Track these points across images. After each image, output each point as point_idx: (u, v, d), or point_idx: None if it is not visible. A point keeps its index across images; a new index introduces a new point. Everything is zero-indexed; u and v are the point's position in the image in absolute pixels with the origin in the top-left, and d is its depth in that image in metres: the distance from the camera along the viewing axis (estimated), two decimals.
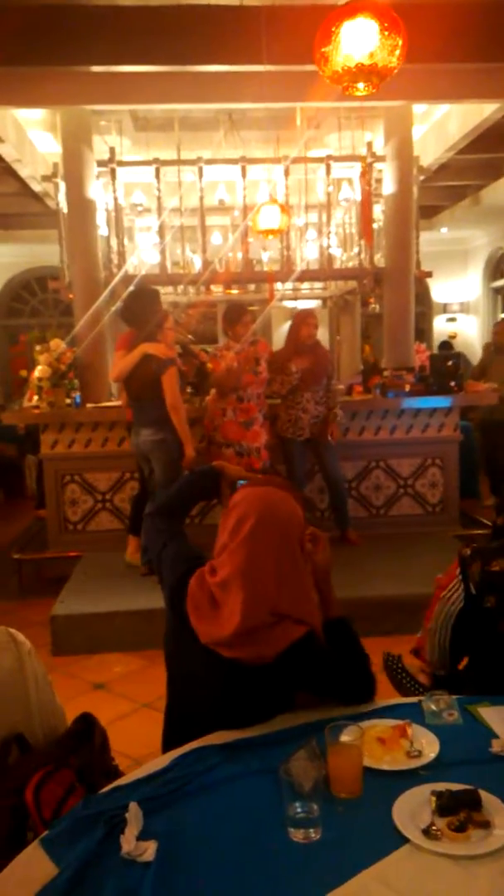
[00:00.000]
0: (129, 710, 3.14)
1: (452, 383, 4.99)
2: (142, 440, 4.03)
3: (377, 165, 5.69)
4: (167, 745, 1.61)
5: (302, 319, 4.57)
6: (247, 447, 4.31)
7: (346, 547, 4.56)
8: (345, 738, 1.32)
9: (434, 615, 1.91)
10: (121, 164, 5.55)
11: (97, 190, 5.38)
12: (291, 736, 1.43)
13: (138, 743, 2.65)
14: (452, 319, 12.00)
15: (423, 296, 11.38)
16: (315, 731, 1.38)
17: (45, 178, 5.84)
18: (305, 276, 6.20)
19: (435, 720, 1.50)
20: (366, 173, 5.61)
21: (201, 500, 2.01)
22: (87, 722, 1.68)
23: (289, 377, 4.43)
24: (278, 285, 6.14)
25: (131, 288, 4.73)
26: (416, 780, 1.32)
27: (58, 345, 4.87)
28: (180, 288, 6.51)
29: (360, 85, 2.23)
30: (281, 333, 4.70)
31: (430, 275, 6.16)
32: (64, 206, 5.42)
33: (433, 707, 1.53)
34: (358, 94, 2.28)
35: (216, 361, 4.38)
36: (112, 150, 5.48)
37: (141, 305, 4.00)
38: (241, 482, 1.87)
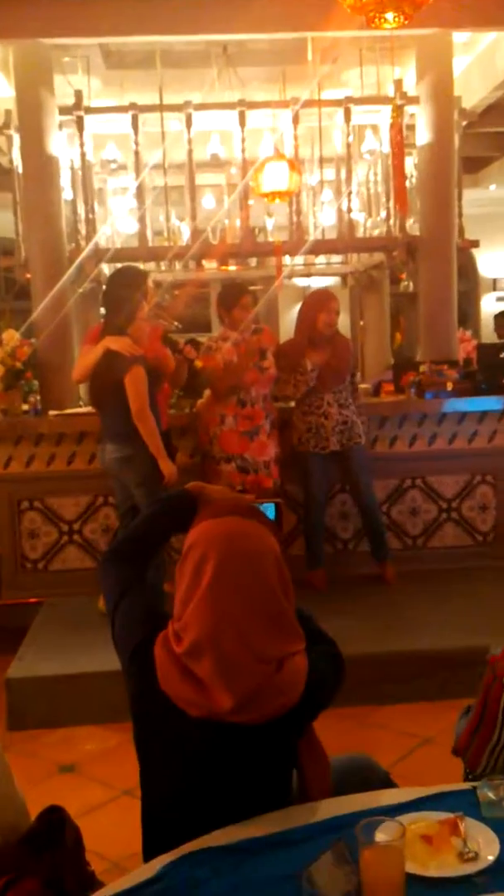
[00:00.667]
0: (104, 798, 3.13)
1: None
2: (107, 458, 4.09)
3: (409, 109, 5.73)
4: (149, 847, 1.61)
5: (319, 304, 4.56)
6: (252, 461, 4.33)
7: (374, 587, 4.55)
8: (381, 836, 1.32)
9: (495, 720, 1.76)
10: (89, 110, 5.59)
11: (60, 143, 5.42)
12: (313, 834, 1.43)
13: (118, 840, 2.64)
14: None
15: (468, 270, 11.44)
16: (343, 829, 1.38)
17: None
18: (321, 247, 6.23)
19: (494, 812, 1.50)
20: (395, 119, 5.65)
21: (173, 533, 1.97)
22: (55, 817, 1.68)
23: (304, 377, 4.44)
24: (287, 259, 6.17)
25: (116, 267, 4.76)
26: (472, 889, 1.31)
27: (11, 336, 4.89)
28: (164, 264, 6.54)
29: (389, 15, 2.26)
30: (290, 320, 4.70)
31: (476, 244, 6.20)
32: (18, 163, 5.46)
33: (491, 795, 1.52)
34: (386, 26, 2.30)
35: (209, 356, 4.40)
36: (78, 94, 5.52)
37: (123, 289, 4.03)
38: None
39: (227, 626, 1.49)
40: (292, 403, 4.61)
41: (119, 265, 4.76)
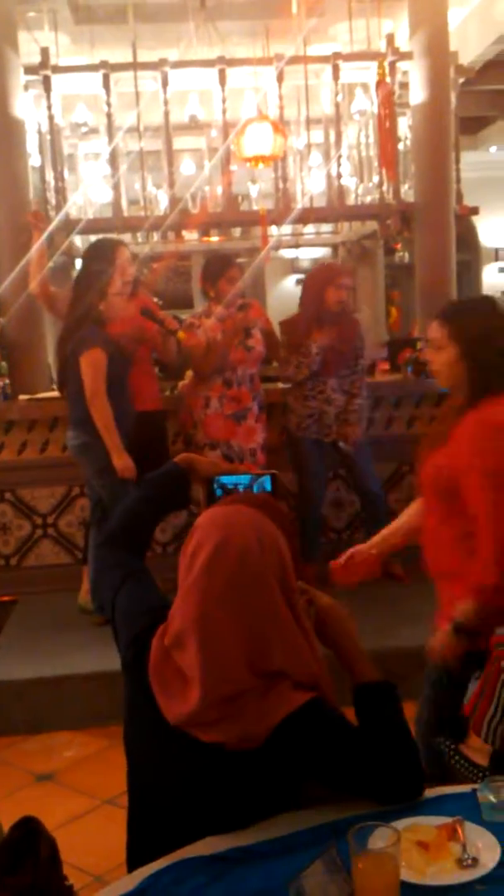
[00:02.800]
0: (85, 808, 3.15)
1: None
2: (70, 444, 4.14)
3: (401, 65, 5.71)
4: (133, 858, 1.62)
5: (327, 278, 4.43)
6: (238, 449, 4.33)
7: (382, 583, 4.56)
8: (375, 843, 1.33)
9: (492, 696, 1.90)
10: (57, 69, 5.54)
11: (26, 105, 5.38)
12: (304, 842, 1.43)
13: (99, 852, 2.66)
14: None
15: (468, 239, 11.43)
16: (335, 836, 1.38)
17: None
18: (309, 215, 6.20)
19: (494, 815, 1.50)
20: (382, 77, 5.62)
21: (168, 511, 2.01)
22: (29, 829, 1.68)
23: (307, 359, 4.36)
24: (273, 229, 6.14)
25: (89, 239, 4.75)
26: None
27: None
28: (141, 235, 6.51)
29: None
30: (277, 294, 4.68)
31: (476, 211, 6.18)
32: None
33: (492, 798, 1.53)
34: None
35: (192, 333, 4.38)
36: (45, 52, 5.47)
37: (93, 262, 4.02)
38: (222, 480, 1.87)
39: (213, 615, 1.48)
40: (280, 384, 4.59)
41: (92, 237, 4.74)
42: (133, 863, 1.60)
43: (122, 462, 3.91)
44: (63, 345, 4.01)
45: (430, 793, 1.59)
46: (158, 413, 4.49)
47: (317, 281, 4.49)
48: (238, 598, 1.50)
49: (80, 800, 3.20)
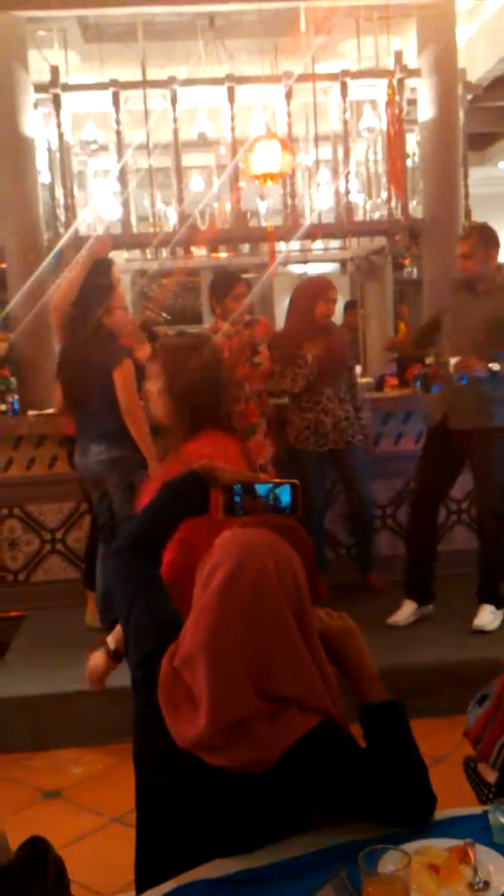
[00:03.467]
0: (93, 826, 3.13)
1: None
2: (91, 461, 4.03)
3: (409, 82, 5.74)
4: (142, 879, 1.60)
5: (317, 293, 4.52)
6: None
7: (378, 595, 4.55)
8: (385, 867, 1.31)
9: None
10: (67, 87, 5.59)
11: (36, 123, 5.42)
12: (314, 865, 1.42)
13: (108, 871, 2.65)
14: None
15: None
16: (345, 859, 1.37)
17: None
18: (317, 232, 6.23)
19: None
20: (391, 96, 5.65)
21: (184, 518, 1.96)
22: (37, 849, 1.67)
23: (303, 369, 4.40)
24: (281, 245, 6.18)
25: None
26: None
27: None
28: (150, 251, 6.53)
29: None
30: (286, 309, 4.68)
31: None
32: None
33: (503, 820, 1.52)
34: None
35: None
36: (55, 70, 5.52)
37: (97, 278, 4.03)
38: (242, 489, 1.84)
39: (225, 638, 1.47)
40: (285, 399, 4.59)
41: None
42: (141, 883, 1.59)
43: (151, 455, 3.91)
44: (73, 362, 3.99)
45: (441, 815, 1.57)
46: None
47: (306, 296, 4.55)
48: (250, 624, 1.49)
49: (87, 817, 3.18)
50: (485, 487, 4.09)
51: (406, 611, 4.20)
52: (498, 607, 4.09)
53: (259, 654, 1.48)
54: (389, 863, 1.32)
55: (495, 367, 3.83)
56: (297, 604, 1.54)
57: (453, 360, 3.84)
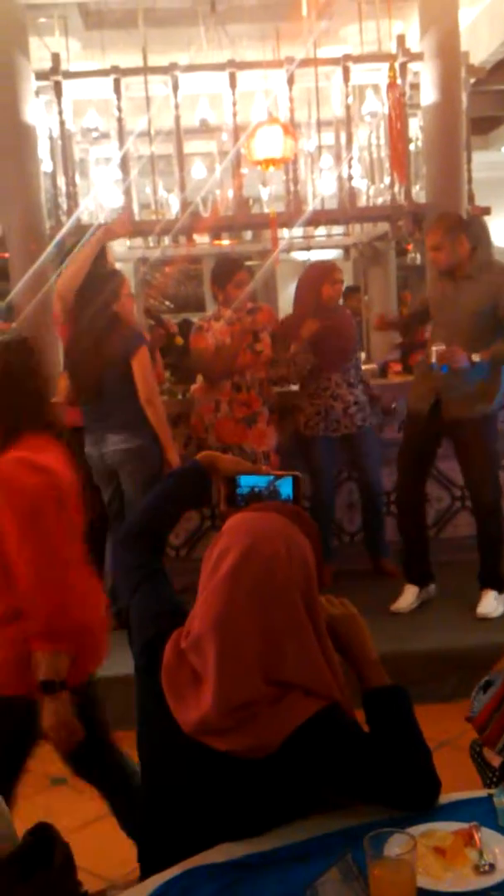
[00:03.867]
0: (99, 812, 3.11)
1: None
2: (109, 451, 3.98)
3: (412, 66, 5.70)
4: (146, 864, 1.61)
5: (323, 275, 4.52)
6: (250, 452, 4.31)
7: (383, 582, 4.55)
8: (391, 850, 1.32)
9: None
10: (68, 75, 5.56)
11: (37, 111, 5.40)
12: (320, 848, 1.42)
13: (113, 858, 2.66)
14: None
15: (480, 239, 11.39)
16: (351, 842, 1.37)
17: None
18: (320, 218, 6.21)
19: None
20: (393, 80, 5.62)
21: (187, 508, 1.99)
22: (44, 836, 1.68)
23: (302, 355, 4.41)
24: (284, 232, 6.15)
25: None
26: None
27: None
28: (152, 239, 6.52)
29: None
30: (289, 296, 4.67)
31: (488, 211, 6.17)
32: None
33: None
34: None
35: (201, 336, 4.39)
36: (56, 57, 5.49)
37: (94, 269, 4.01)
38: (243, 480, 1.85)
39: (235, 620, 1.48)
40: (294, 387, 4.58)
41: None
42: (146, 869, 1.60)
43: (177, 459, 3.94)
44: (84, 350, 3.91)
45: (446, 798, 1.58)
46: None
47: (312, 279, 4.55)
48: (260, 608, 1.49)
49: (93, 804, 3.17)
50: (479, 476, 4.09)
51: (408, 597, 4.20)
52: (500, 592, 4.10)
53: (268, 639, 1.48)
54: (395, 846, 1.33)
55: (477, 357, 3.82)
56: (306, 590, 1.54)
57: (435, 349, 3.82)
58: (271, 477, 1.86)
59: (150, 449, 3.92)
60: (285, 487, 1.85)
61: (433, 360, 3.83)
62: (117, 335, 3.87)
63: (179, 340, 4.42)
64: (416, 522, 4.26)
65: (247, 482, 1.85)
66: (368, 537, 4.76)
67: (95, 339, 3.92)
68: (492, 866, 1.38)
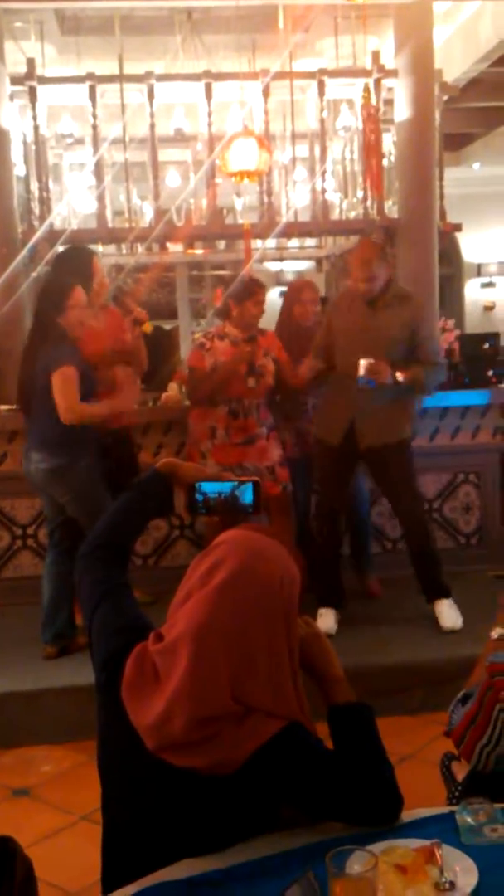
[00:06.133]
0: (61, 824, 3.11)
1: (491, 373, 5.03)
2: (31, 468, 3.91)
3: (386, 82, 5.75)
4: (108, 880, 1.60)
5: (292, 294, 4.61)
6: (253, 468, 4.19)
7: (352, 594, 4.56)
8: (353, 867, 1.32)
9: (488, 723, 1.86)
10: (43, 80, 5.54)
11: (11, 116, 5.37)
12: (281, 865, 1.42)
13: (76, 869, 2.64)
14: (490, 285, 12.12)
15: (451, 254, 11.51)
16: (312, 859, 1.37)
17: None
18: (293, 230, 6.22)
19: (473, 838, 1.50)
20: (367, 100, 5.67)
21: (150, 518, 1.97)
22: (5, 849, 1.67)
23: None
24: (257, 242, 6.16)
25: (59, 248, 4.73)
26: None
27: None
28: (125, 246, 6.49)
29: None
30: (269, 306, 4.65)
31: (459, 227, 6.23)
32: None
33: (470, 820, 1.53)
34: None
35: (199, 354, 4.28)
36: (31, 62, 5.47)
37: (65, 273, 3.97)
38: (204, 487, 1.85)
39: (216, 631, 1.48)
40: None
41: (66, 247, 4.72)
42: (108, 885, 1.58)
43: (117, 405, 3.92)
44: (26, 363, 3.85)
45: (409, 815, 1.59)
46: (124, 431, 4.42)
47: (286, 300, 4.69)
48: (244, 626, 1.50)
49: (56, 815, 3.17)
50: (405, 498, 4.13)
51: (328, 619, 4.13)
52: (448, 596, 4.12)
53: (244, 657, 1.49)
54: (356, 863, 1.33)
55: (400, 377, 3.86)
56: (289, 616, 1.56)
57: (363, 362, 3.80)
58: (232, 483, 1.86)
59: (71, 468, 3.81)
60: (246, 493, 1.84)
61: (361, 372, 3.81)
62: (49, 350, 3.76)
63: (148, 328, 4.35)
64: (332, 548, 4.27)
65: (207, 488, 1.85)
66: (358, 557, 4.68)
67: (27, 352, 3.87)
68: (452, 884, 1.38)
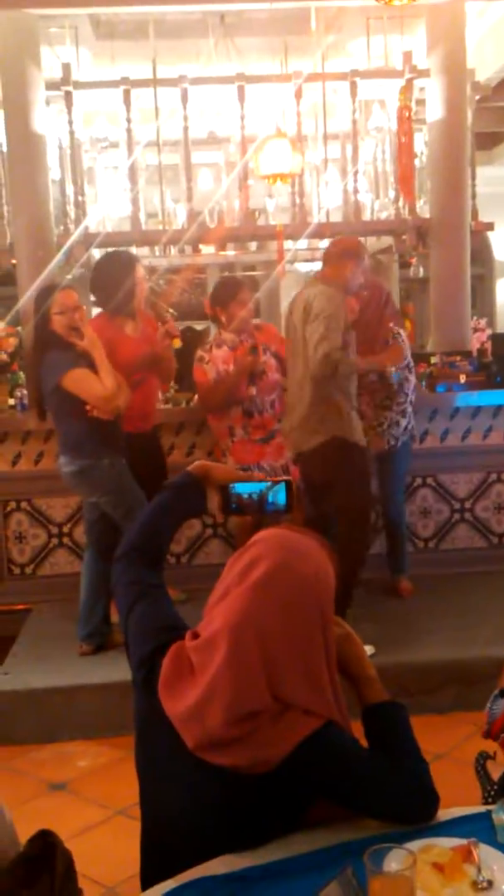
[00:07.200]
0: (98, 818, 3.14)
1: None
2: (62, 472, 3.97)
3: (418, 82, 5.72)
4: (147, 876, 1.61)
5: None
6: (269, 468, 4.24)
7: (384, 593, 4.56)
8: (390, 865, 1.32)
9: None
10: (78, 85, 5.57)
11: (47, 120, 5.41)
12: (320, 862, 1.43)
13: (113, 864, 2.66)
14: None
15: (483, 254, 11.41)
16: (351, 857, 1.38)
17: None
18: (325, 230, 6.20)
19: None
20: (404, 93, 5.64)
21: (183, 520, 1.99)
22: (46, 842, 1.68)
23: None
24: (289, 243, 6.16)
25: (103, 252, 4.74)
26: None
27: None
28: (159, 248, 6.52)
29: None
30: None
31: (491, 226, 6.17)
32: (3, 142, 5.45)
33: None
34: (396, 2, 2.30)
35: (201, 369, 4.32)
36: (66, 67, 5.51)
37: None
38: (237, 488, 1.86)
39: (253, 627, 1.48)
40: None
41: (110, 250, 4.75)
42: (146, 880, 1.60)
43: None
44: (30, 371, 3.92)
45: (445, 814, 1.59)
46: (155, 430, 4.46)
47: None
48: (281, 622, 1.50)
49: (93, 810, 3.20)
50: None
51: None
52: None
53: (280, 654, 1.49)
54: (394, 861, 1.33)
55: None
56: (325, 613, 1.56)
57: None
58: (266, 483, 1.87)
59: (95, 467, 3.83)
60: (280, 494, 1.86)
61: (395, 369, 4.08)
62: (48, 359, 3.77)
63: (178, 343, 4.38)
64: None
65: (241, 489, 1.86)
66: (392, 556, 4.66)
67: (29, 361, 3.91)
68: (490, 883, 1.38)
